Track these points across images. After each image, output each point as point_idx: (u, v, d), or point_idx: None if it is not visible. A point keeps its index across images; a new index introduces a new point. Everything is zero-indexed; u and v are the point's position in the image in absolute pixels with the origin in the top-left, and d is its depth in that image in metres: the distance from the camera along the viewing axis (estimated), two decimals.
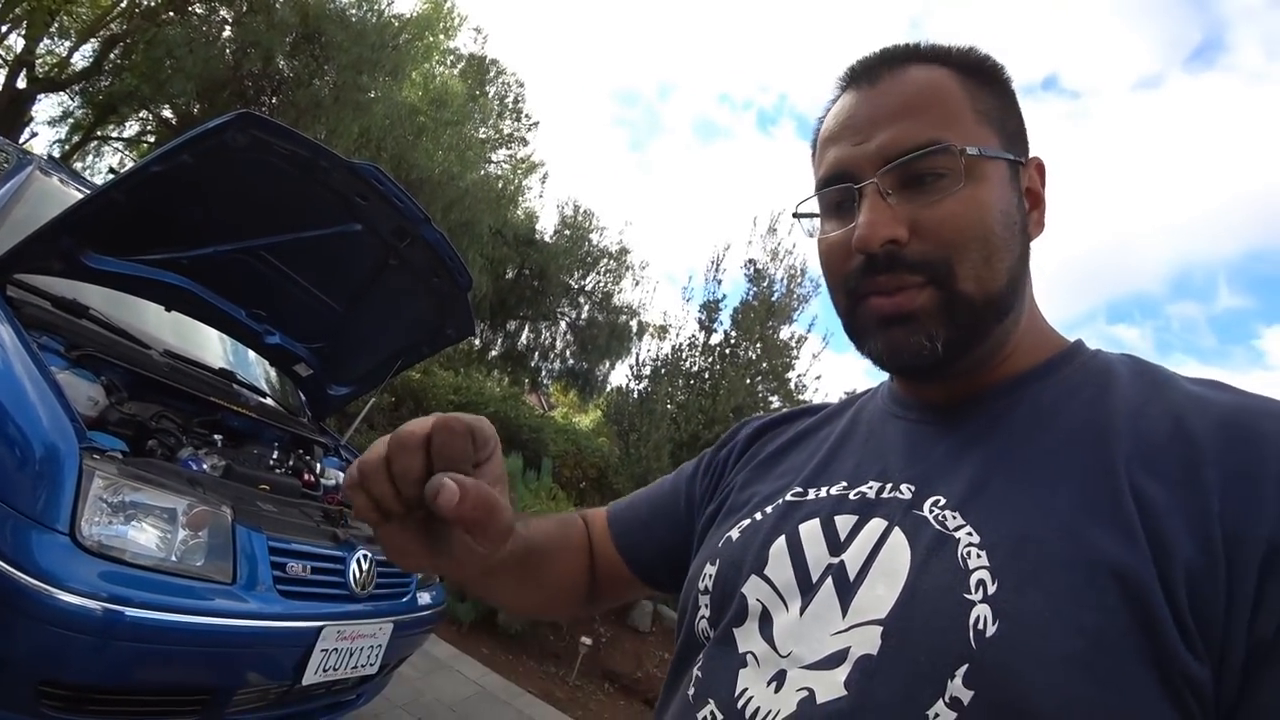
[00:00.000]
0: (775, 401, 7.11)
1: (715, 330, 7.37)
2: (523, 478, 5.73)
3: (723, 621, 0.55)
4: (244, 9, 9.15)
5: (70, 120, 11.04)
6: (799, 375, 7.25)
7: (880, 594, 0.47)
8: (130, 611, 1.48)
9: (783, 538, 0.55)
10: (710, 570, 0.58)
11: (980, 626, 0.42)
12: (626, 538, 0.76)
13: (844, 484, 0.57)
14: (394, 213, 2.40)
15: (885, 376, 0.67)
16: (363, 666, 2.17)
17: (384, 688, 2.58)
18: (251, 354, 3.09)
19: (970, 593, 0.43)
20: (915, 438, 0.58)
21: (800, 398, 7.50)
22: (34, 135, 10.96)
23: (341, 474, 2.98)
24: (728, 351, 7.19)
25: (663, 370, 7.27)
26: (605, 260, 11.90)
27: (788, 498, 0.59)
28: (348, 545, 2.20)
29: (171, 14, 9.04)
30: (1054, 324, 0.61)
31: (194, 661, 1.64)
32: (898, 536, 0.50)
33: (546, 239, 11.37)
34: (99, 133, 11.47)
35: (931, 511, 0.50)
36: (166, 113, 9.89)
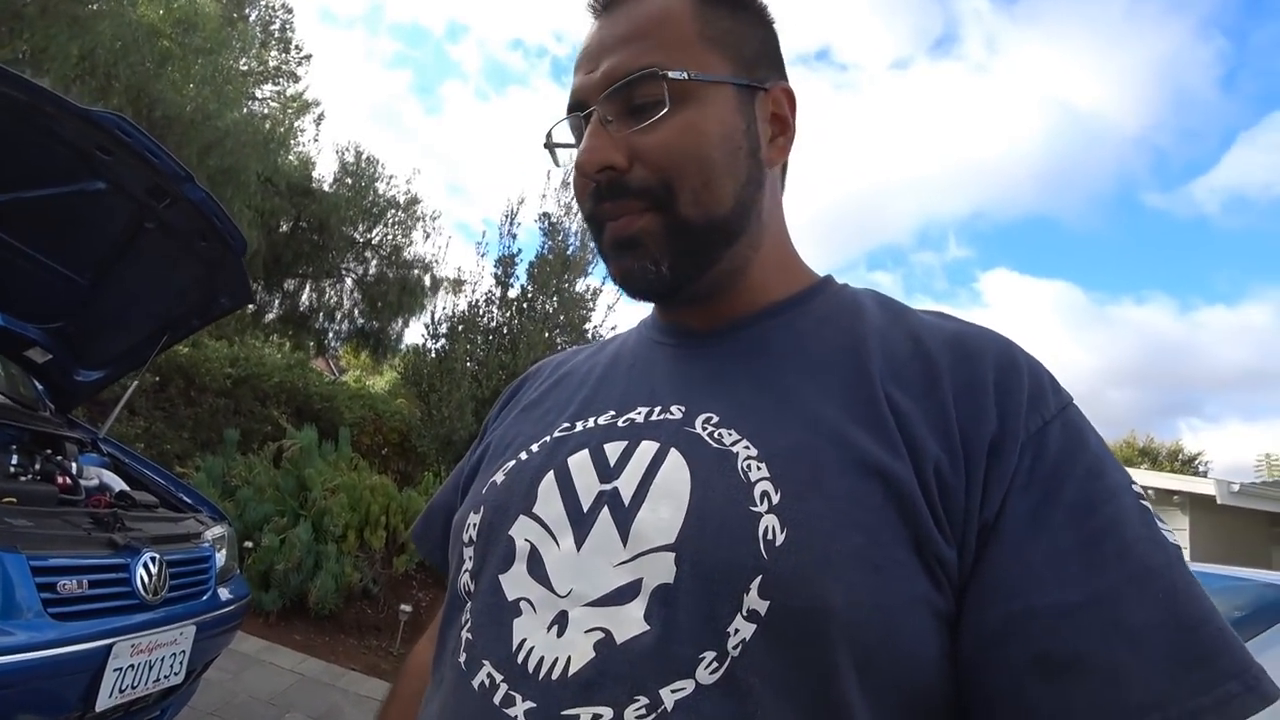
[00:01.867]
0: None
1: (511, 285, 7.31)
2: (319, 450, 5.35)
3: (486, 570, 0.51)
4: None
5: None
6: (595, 326, 7.45)
7: (664, 516, 0.45)
8: None
9: (551, 473, 0.52)
10: (474, 519, 0.54)
11: (770, 537, 0.42)
12: (430, 548, 0.70)
13: (612, 412, 0.56)
14: (147, 170, 2.10)
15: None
16: (166, 678, 1.98)
17: (191, 696, 2.36)
18: None
19: (756, 504, 0.44)
20: (680, 362, 0.58)
21: None
22: None
23: (104, 472, 2.60)
24: (524, 306, 7.17)
25: (460, 327, 7.08)
26: (393, 211, 11.04)
27: (555, 434, 0.56)
28: (129, 550, 1.96)
29: None
30: (830, 269, 0.63)
31: None
32: (674, 457, 0.48)
33: (325, 188, 10.23)
34: None
35: (705, 429, 0.50)
36: None
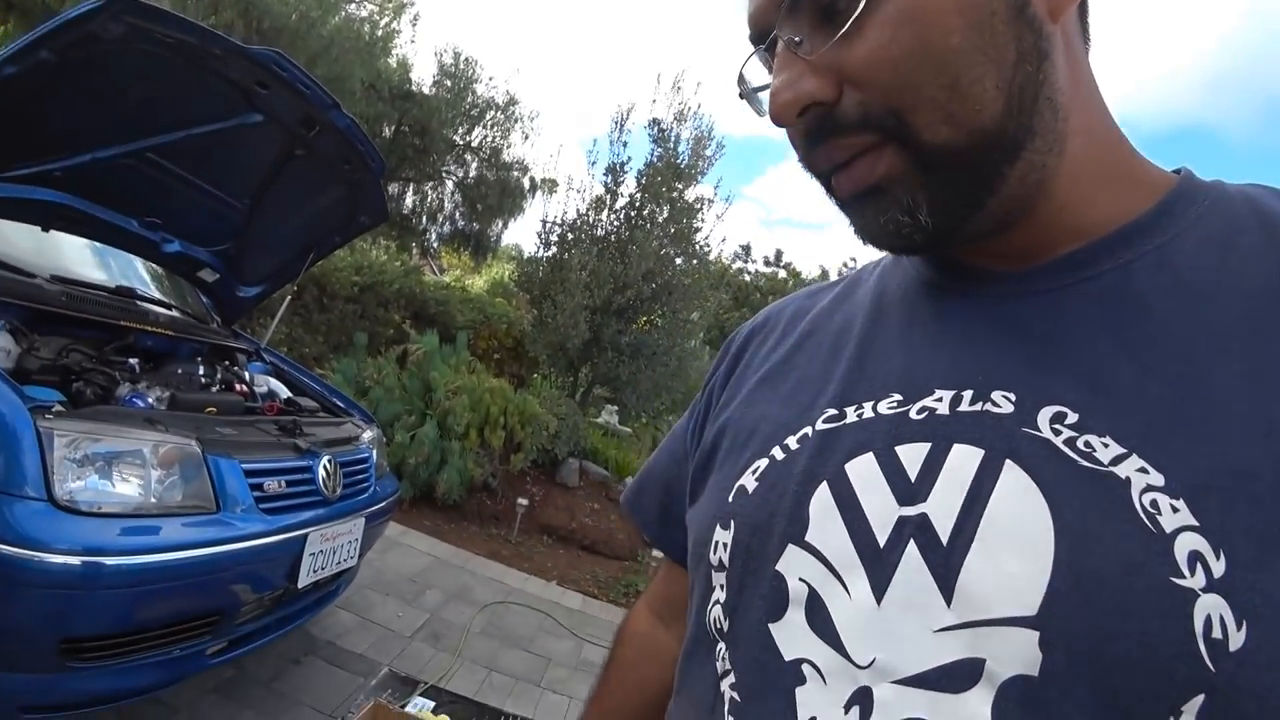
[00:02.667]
0: (681, 263, 7.23)
1: (620, 194, 7.24)
2: (439, 353, 5.70)
3: (747, 610, 0.41)
4: None
5: None
6: (705, 237, 7.35)
7: (1012, 571, 0.31)
8: (110, 561, 1.49)
9: (825, 485, 0.39)
10: (723, 536, 0.43)
11: (1216, 634, 0.28)
12: (645, 520, 0.62)
13: (897, 397, 0.40)
14: (299, 101, 2.20)
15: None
16: (345, 561, 2.29)
17: (356, 574, 2.72)
18: (140, 263, 2.82)
19: (1184, 575, 0.29)
20: (987, 318, 0.41)
21: (710, 258, 7.68)
22: None
23: (270, 379, 2.90)
24: (634, 215, 7.13)
25: (569, 236, 7.17)
26: (492, 112, 11.03)
27: (818, 424, 0.42)
28: (311, 454, 2.22)
29: None
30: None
31: (194, 591, 1.68)
32: (1014, 474, 0.33)
33: (425, 91, 10.33)
34: None
35: (1058, 432, 0.34)
36: None
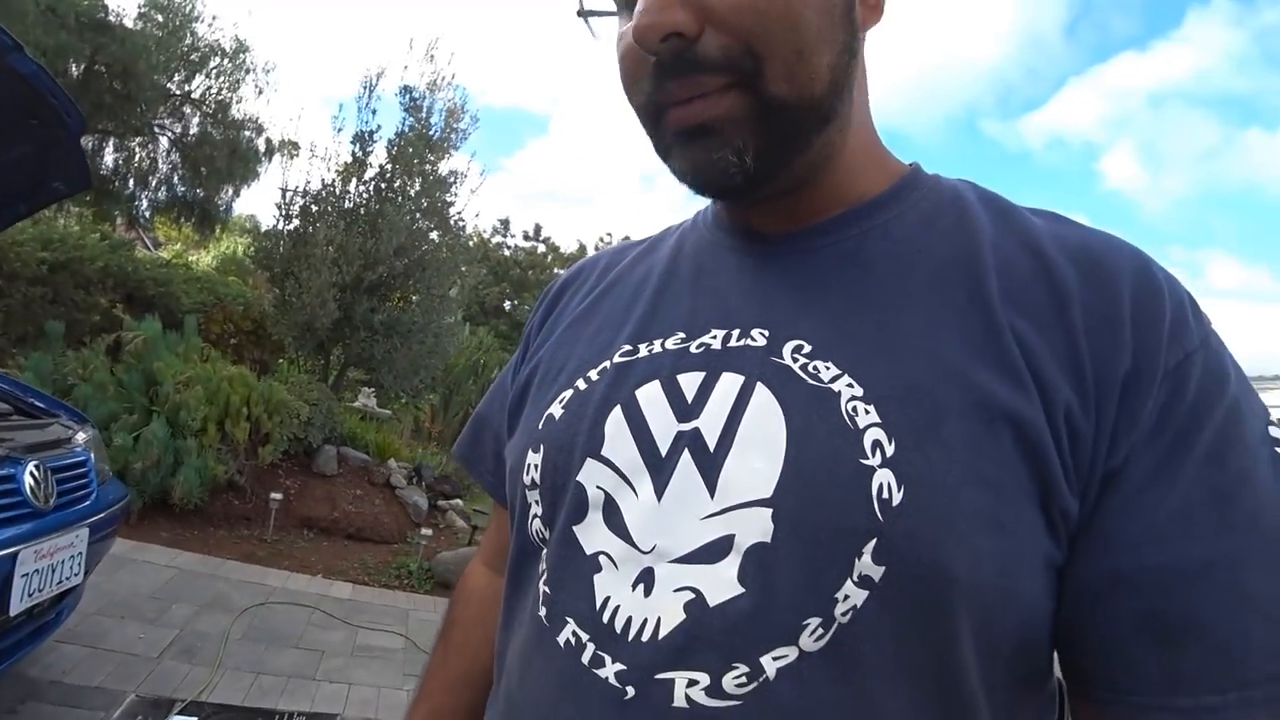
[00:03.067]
0: (435, 237, 7.02)
1: (370, 165, 6.80)
2: (164, 341, 4.99)
3: (558, 519, 0.47)
4: None
5: None
6: (459, 212, 7.19)
7: (757, 466, 0.40)
8: None
9: (618, 408, 0.47)
10: (534, 459, 0.49)
11: (885, 495, 0.37)
12: (480, 470, 0.66)
13: (681, 335, 0.49)
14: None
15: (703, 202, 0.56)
16: (69, 579, 2.02)
17: (79, 599, 2.38)
18: None
19: (867, 456, 0.39)
20: (756, 273, 0.50)
21: (465, 232, 7.55)
22: None
23: None
24: (384, 187, 6.75)
25: (314, 207, 6.60)
26: (217, 59, 9.61)
27: (615, 358, 0.50)
28: (11, 461, 1.91)
29: None
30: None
31: None
32: (763, 394, 0.43)
33: (128, 24, 8.70)
34: None
35: (795, 360, 0.43)
36: None
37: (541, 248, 18.63)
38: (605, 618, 0.42)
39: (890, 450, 0.39)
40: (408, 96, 6.87)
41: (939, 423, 0.39)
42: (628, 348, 0.50)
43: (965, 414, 0.39)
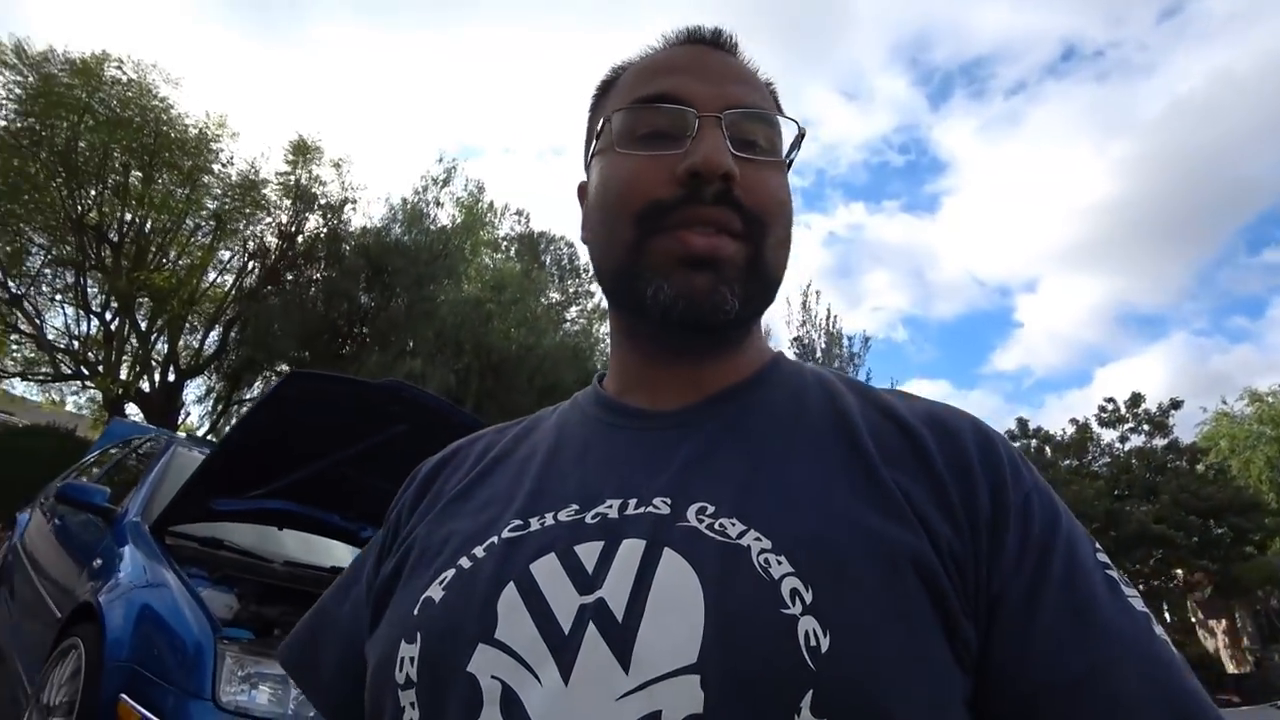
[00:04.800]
0: None
1: None
2: None
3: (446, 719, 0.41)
4: (321, 266, 12.19)
5: (212, 395, 14.01)
6: None
7: (675, 631, 0.39)
8: None
9: (511, 585, 0.43)
10: (408, 650, 0.43)
11: (813, 643, 0.37)
12: (318, 685, 0.57)
13: (575, 506, 0.48)
14: (427, 411, 2.94)
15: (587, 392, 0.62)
16: None
17: None
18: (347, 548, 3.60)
19: (788, 605, 0.39)
20: (650, 445, 0.51)
21: None
22: (186, 414, 14.02)
23: None
24: None
25: None
26: None
27: (504, 534, 0.47)
28: None
29: (269, 288, 12.23)
30: None
31: None
32: (671, 557, 0.42)
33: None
34: (234, 399, 13.60)
35: (701, 521, 0.44)
36: (284, 366, 11.60)
37: None
38: None
39: (809, 597, 0.39)
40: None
41: (849, 567, 0.41)
42: (517, 522, 0.48)
43: (869, 556, 0.41)
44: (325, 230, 12.76)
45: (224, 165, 11.93)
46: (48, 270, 11.65)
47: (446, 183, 14.15)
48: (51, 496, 3.62)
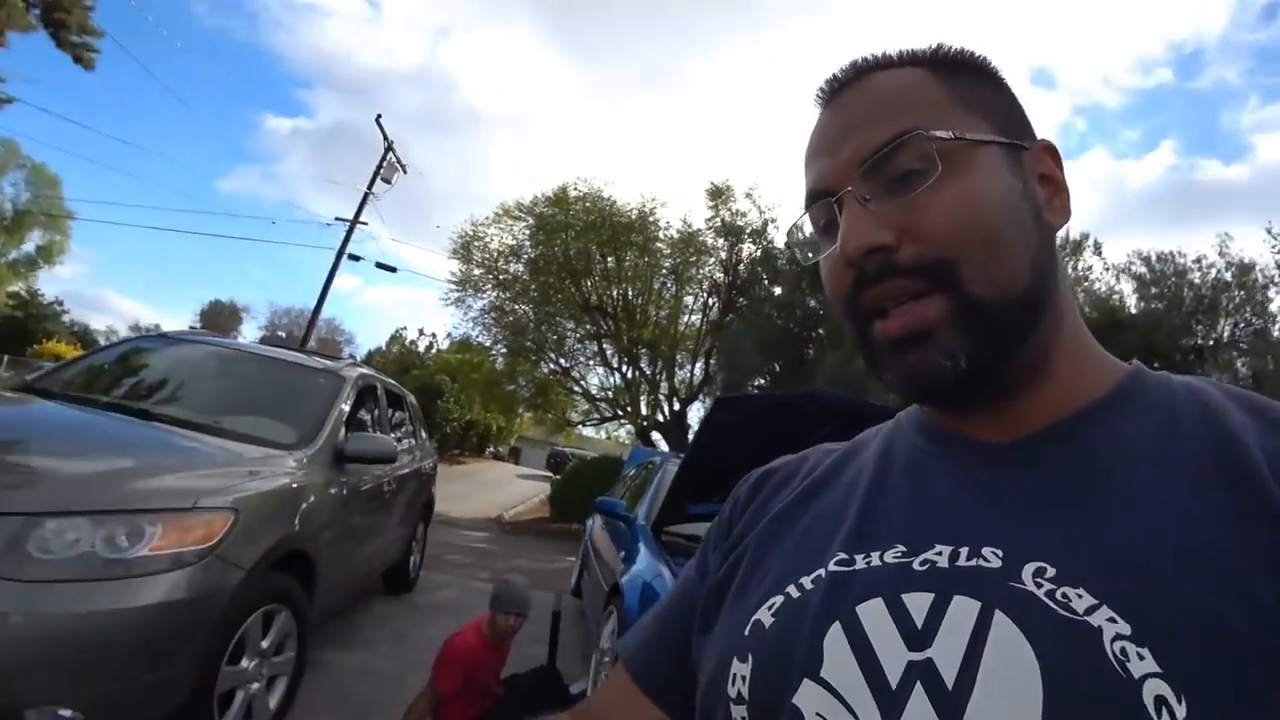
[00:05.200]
0: None
1: None
2: None
3: None
4: (763, 285, 13.58)
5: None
6: None
7: (1005, 716, 0.34)
8: None
9: (838, 624, 0.42)
10: (741, 669, 0.45)
11: None
12: (652, 676, 0.57)
13: (901, 548, 0.44)
14: (842, 408, 3.16)
15: None
16: None
17: None
18: None
19: (1151, 715, 0.31)
20: (975, 484, 0.46)
21: None
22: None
23: None
24: None
25: None
26: None
27: (831, 566, 0.46)
28: None
29: (729, 316, 14.25)
30: None
31: None
32: (1004, 625, 0.37)
33: None
34: None
35: (1039, 585, 0.37)
36: (759, 380, 13.42)
37: None
38: None
39: (1181, 713, 0.31)
40: None
41: (1243, 673, 0.31)
42: (843, 555, 0.46)
43: (1266, 646, 0.32)
44: (759, 253, 13.93)
45: (664, 229, 14.40)
46: (579, 345, 15.39)
47: None
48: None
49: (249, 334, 42.79)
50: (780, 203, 14.35)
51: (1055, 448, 0.45)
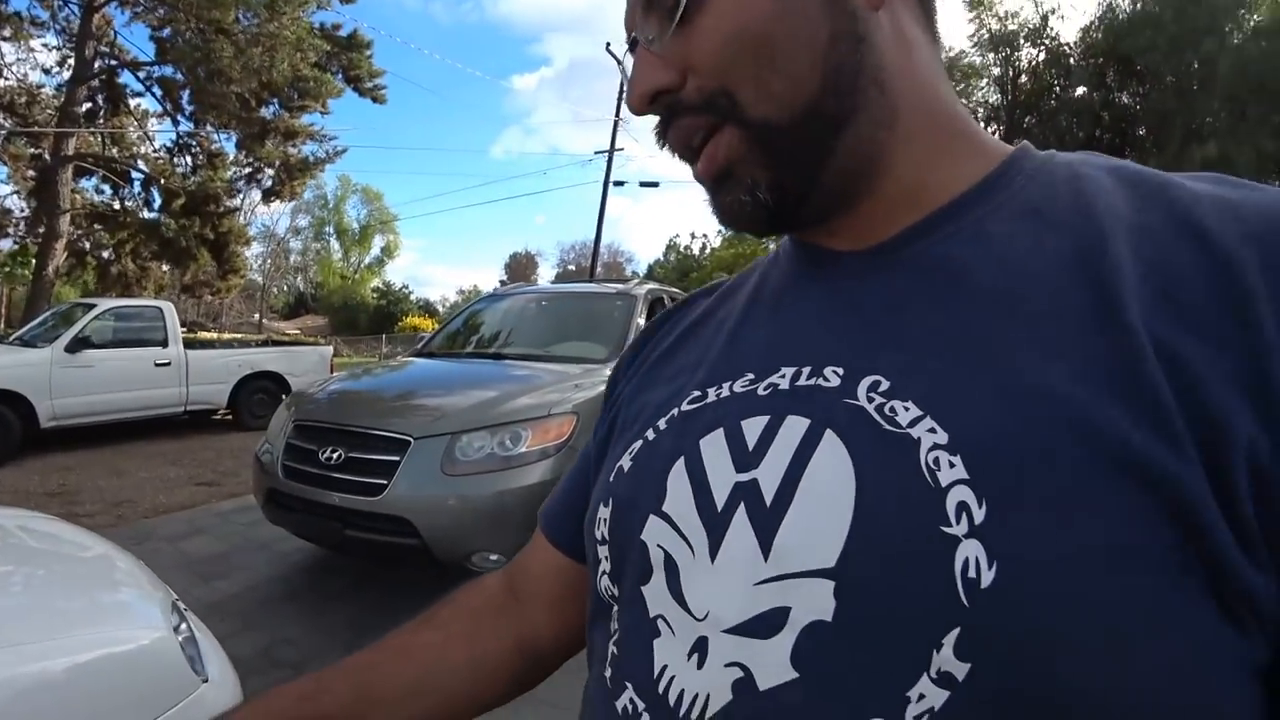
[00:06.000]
0: None
1: None
2: None
3: (625, 579, 0.44)
4: (1057, 92, 11.75)
5: None
6: None
7: (818, 528, 0.35)
8: None
9: (682, 459, 0.43)
10: (604, 513, 0.47)
11: (972, 574, 0.30)
12: (560, 530, 0.59)
13: (750, 376, 0.44)
14: None
15: None
16: None
17: None
18: None
19: (950, 523, 0.31)
20: (831, 299, 0.44)
21: None
22: None
23: None
24: None
25: None
26: None
27: (684, 406, 0.46)
28: None
29: (1019, 141, 15.13)
30: None
31: None
32: (830, 442, 0.37)
33: None
34: None
35: (870, 399, 0.37)
36: None
37: None
38: (661, 687, 0.38)
39: (980, 516, 0.31)
40: None
41: (1048, 481, 0.31)
42: (697, 394, 0.46)
43: (1085, 467, 0.30)
44: (1041, 55, 11.79)
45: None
46: None
47: None
48: None
49: (545, 275, 48.59)
50: None
51: (906, 254, 0.41)
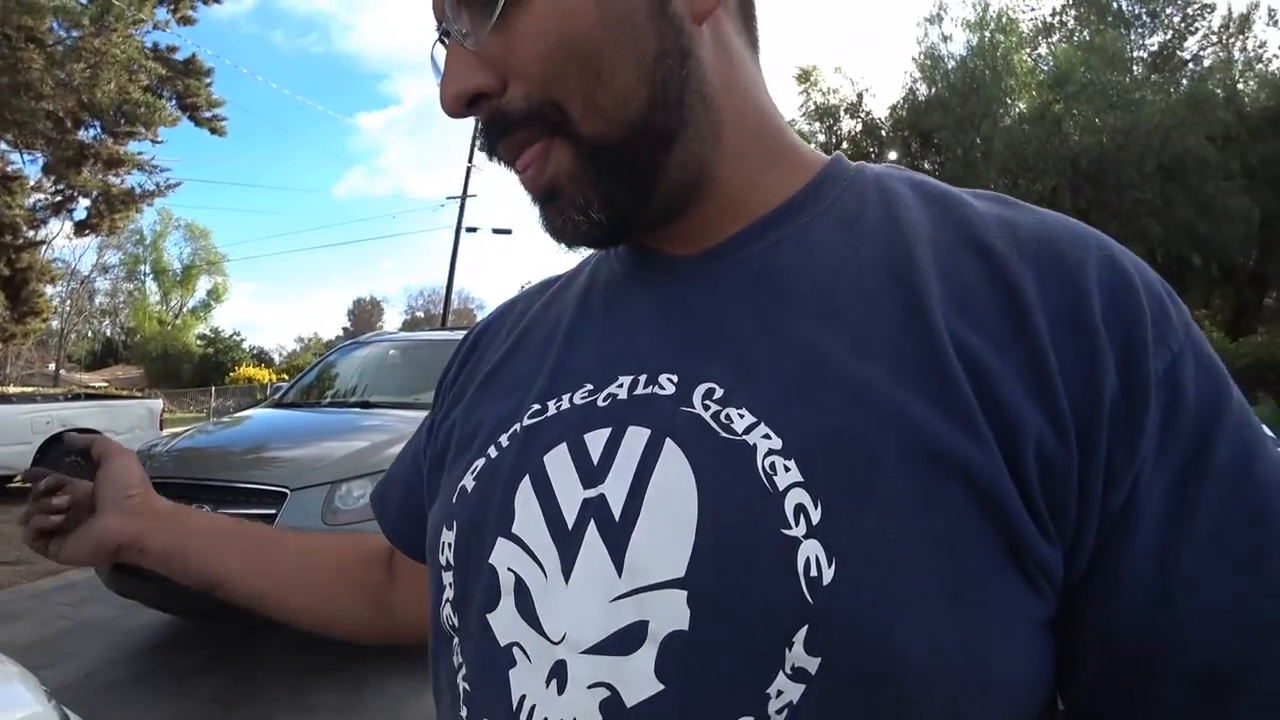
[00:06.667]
0: None
1: None
2: None
3: (471, 606, 0.41)
4: (894, 156, 13.20)
5: None
6: None
7: (665, 539, 0.34)
8: None
9: (527, 478, 0.40)
10: (448, 537, 0.44)
11: (814, 572, 0.31)
12: (394, 528, 0.60)
13: (589, 386, 0.42)
14: None
15: None
16: None
17: None
18: None
19: (790, 525, 0.32)
20: (662, 306, 0.43)
21: None
22: None
23: None
24: None
25: None
26: None
27: (525, 421, 0.43)
28: None
29: None
30: None
31: None
32: (671, 451, 0.36)
33: None
34: None
35: (706, 406, 0.37)
36: None
37: None
38: (522, 719, 0.37)
39: (816, 516, 0.32)
40: None
41: (873, 478, 0.32)
42: (536, 407, 0.44)
43: (905, 463, 0.32)
44: (859, 127, 13.58)
45: None
46: None
47: (939, 19, 13.22)
48: None
49: (392, 322, 46.66)
50: (871, 70, 13.69)
51: (734, 260, 0.42)
